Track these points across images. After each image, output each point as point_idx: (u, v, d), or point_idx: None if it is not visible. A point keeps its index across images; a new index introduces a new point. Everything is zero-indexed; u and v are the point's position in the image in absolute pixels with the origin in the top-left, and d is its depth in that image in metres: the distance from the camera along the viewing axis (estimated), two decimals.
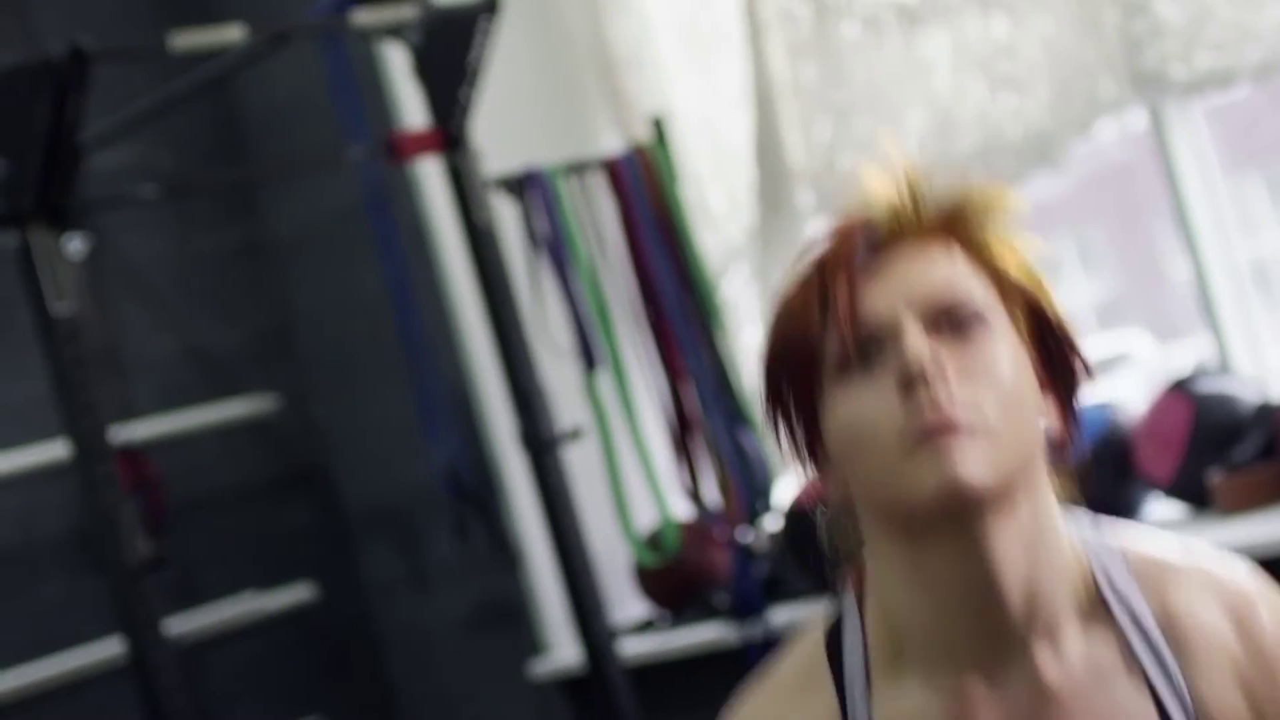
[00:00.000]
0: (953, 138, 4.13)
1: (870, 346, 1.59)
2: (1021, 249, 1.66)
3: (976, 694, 1.62)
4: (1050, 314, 1.66)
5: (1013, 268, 1.65)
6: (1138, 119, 4.08)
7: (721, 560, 4.57)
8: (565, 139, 4.82)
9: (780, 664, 1.73)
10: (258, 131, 5.26)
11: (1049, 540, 1.62)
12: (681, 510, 4.50)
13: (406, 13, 4.03)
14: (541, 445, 4.17)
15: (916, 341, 1.57)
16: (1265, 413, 3.84)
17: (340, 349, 5.22)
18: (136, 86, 4.32)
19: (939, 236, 1.64)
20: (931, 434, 1.54)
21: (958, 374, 1.57)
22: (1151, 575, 1.66)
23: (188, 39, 3.71)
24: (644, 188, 4.32)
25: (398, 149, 4.16)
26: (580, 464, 4.44)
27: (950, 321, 1.59)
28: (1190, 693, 1.62)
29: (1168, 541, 1.71)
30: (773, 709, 1.70)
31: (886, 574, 1.64)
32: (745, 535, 4.37)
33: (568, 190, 4.27)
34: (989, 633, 1.61)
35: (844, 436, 1.60)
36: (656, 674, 4.53)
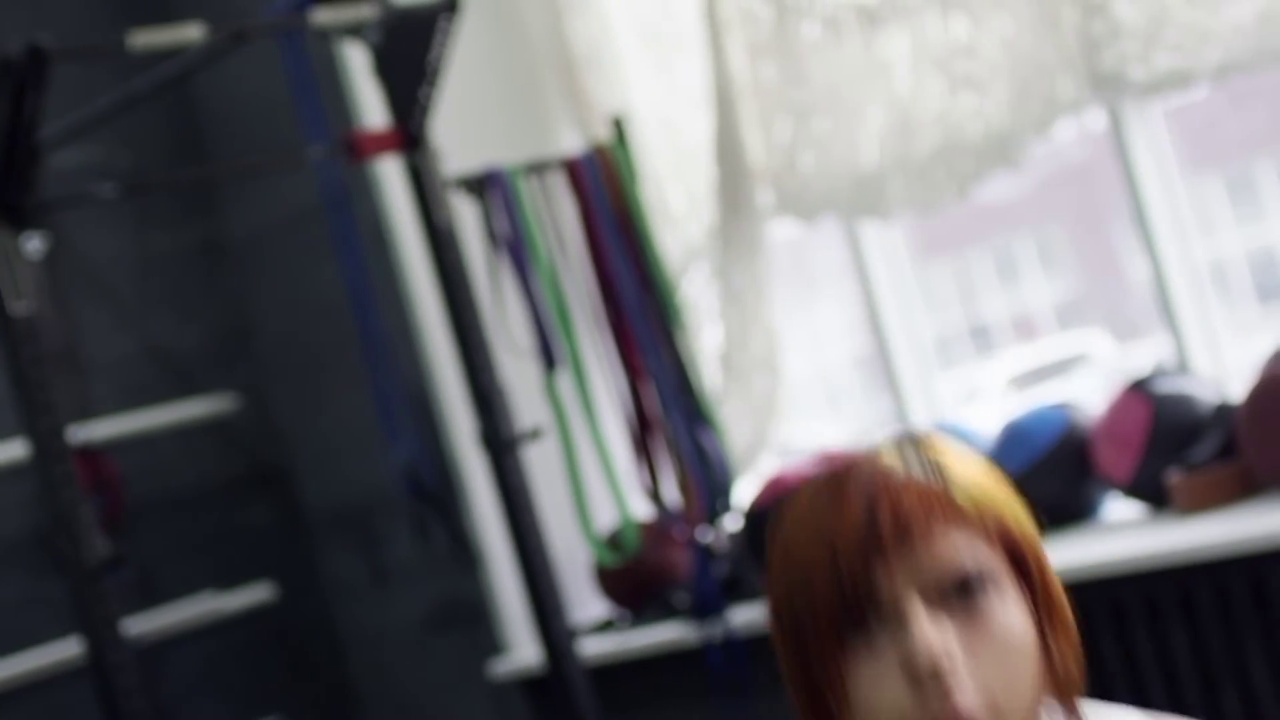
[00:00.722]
0: (912, 138, 4.14)
1: (877, 621, 1.56)
2: (1020, 507, 1.65)
3: None
4: (1038, 563, 1.63)
5: (1015, 526, 1.63)
6: (1097, 119, 4.10)
7: (681, 560, 4.58)
8: (525, 138, 4.82)
9: None
10: (217, 131, 5.25)
11: None
12: (641, 510, 4.50)
13: (366, 12, 4.02)
14: (501, 445, 4.16)
15: (925, 633, 1.54)
16: (1223, 413, 3.85)
17: (300, 349, 5.21)
18: (96, 85, 4.31)
19: (954, 510, 1.60)
20: None
21: (967, 653, 1.55)
22: None
23: (147, 38, 3.70)
24: (604, 187, 4.32)
25: (357, 148, 4.15)
26: (540, 464, 4.45)
27: (960, 592, 1.57)
28: None
29: None
30: None
31: None
32: (705, 535, 4.37)
33: (528, 190, 4.26)
34: None
35: (855, 708, 1.58)
36: (616, 673, 4.54)
